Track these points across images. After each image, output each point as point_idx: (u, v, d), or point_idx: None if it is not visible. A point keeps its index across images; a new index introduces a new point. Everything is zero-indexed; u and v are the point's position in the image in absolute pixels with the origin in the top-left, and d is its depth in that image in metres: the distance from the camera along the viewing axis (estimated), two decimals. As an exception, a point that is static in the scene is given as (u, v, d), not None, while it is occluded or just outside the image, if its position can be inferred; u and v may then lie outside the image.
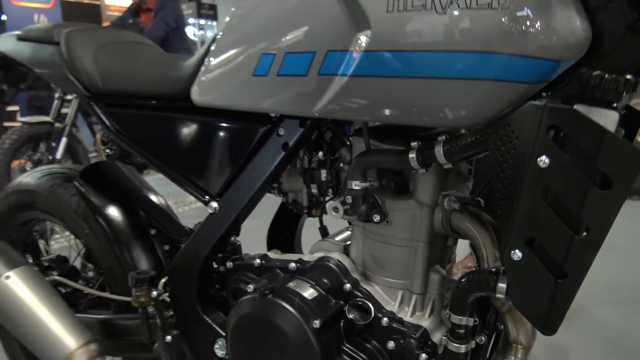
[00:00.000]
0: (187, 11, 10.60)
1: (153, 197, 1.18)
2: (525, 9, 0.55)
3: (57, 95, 3.65)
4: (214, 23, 11.88)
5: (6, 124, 9.07)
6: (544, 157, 0.55)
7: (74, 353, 1.00)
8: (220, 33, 0.85)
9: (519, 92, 0.57)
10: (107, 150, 3.77)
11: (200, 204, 0.96)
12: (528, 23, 0.55)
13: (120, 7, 10.75)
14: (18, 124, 10.77)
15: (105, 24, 10.50)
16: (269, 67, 0.76)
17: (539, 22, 0.55)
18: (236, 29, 0.83)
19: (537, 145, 0.55)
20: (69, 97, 3.57)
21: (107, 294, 1.13)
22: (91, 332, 1.07)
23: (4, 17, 10.64)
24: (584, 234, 0.55)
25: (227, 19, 0.84)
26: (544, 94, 0.58)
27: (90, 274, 1.32)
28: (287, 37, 0.74)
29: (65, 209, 1.17)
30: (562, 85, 0.58)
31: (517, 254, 0.59)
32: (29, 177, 1.26)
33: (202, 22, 11.36)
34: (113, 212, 1.13)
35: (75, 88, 1.06)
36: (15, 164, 3.55)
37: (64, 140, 3.45)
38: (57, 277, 1.20)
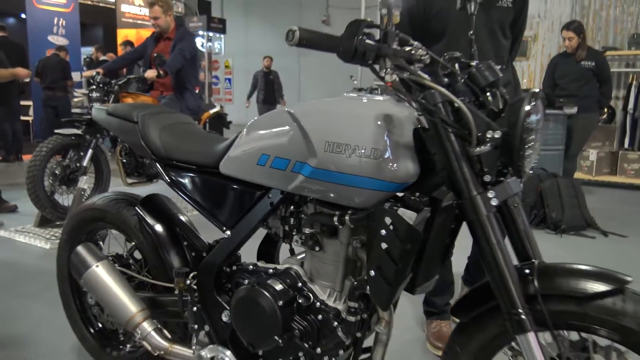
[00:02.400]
0: (197, 24, 11.12)
1: (185, 221, 1.78)
2: (386, 158, 1.19)
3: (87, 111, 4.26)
4: (222, 36, 12.40)
5: (23, 118, 9.60)
6: (383, 231, 1.18)
7: (135, 314, 1.62)
8: (245, 131, 1.47)
9: (383, 195, 1.22)
10: (124, 160, 4.37)
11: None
12: (388, 165, 1.19)
13: (135, 14, 11.37)
14: (30, 118, 11.16)
15: (119, 29, 11.09)
16: (266, 162, 1.38)
17: (393, 165, 1.19)
18: (253, 132, 1.43)
19: (381, 225, 1.19)
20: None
21: (156, 282, 1.73)
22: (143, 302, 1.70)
23: (23, 16, 11.08)
24: (399, 265, 1.18)
25: (249, 123, 1.47)
26: (391, 200, 1.23)
27: (133, 264, 1.94)
28: (277, 147, 1.36)
29: (128, 223, 1.77)
30: (405, 195, 1.23)
31: (371, 272, 1.21)
32: (101, 200, 1.87)
33: (211, 34, 11.87)
34: (159, 228, 1.72)
35: (147, 153, 1.68)
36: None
37: (90, 151, 4.03)
38: (120, 268, 1.82)
